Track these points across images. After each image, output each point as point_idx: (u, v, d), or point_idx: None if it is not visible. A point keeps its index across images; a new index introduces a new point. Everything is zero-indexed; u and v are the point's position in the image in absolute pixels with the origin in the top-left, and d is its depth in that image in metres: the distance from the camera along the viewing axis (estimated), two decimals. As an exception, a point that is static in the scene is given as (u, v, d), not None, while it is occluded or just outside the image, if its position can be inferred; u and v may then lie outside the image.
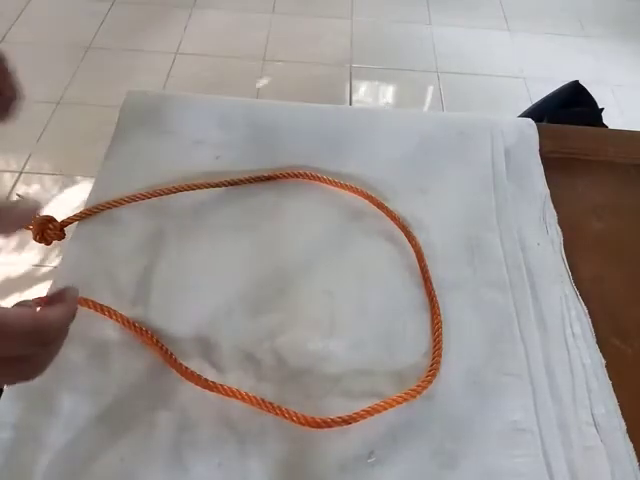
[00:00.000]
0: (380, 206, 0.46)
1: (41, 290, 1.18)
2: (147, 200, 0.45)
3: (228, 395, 0.35)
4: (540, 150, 0.52)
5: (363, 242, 0.45)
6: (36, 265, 1.27)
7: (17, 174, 1.44)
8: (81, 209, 0.45)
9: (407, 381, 0.37)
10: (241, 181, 0.47)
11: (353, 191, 0.47)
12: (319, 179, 0.47)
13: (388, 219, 0.45)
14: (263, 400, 0.34)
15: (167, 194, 0.45)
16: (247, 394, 0.35)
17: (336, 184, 0.47)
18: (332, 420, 0.34)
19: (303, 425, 0.34)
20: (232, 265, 0.42)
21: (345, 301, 0.41)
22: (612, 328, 0.42)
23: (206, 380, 0.35)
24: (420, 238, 0.44)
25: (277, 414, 0.34)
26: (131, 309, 0.39)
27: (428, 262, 0.43)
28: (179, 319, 0.39)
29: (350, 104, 1.68)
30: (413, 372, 0.37)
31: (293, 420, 0.34)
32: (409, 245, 0.44)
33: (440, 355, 0.38)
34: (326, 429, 0.34)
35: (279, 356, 0.38)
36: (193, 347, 0.38)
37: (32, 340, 0.24)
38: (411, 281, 0.42)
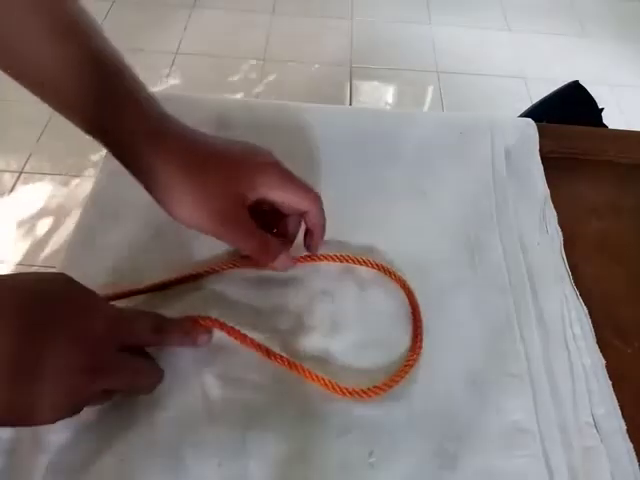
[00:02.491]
0: None
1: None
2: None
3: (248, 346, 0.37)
4: (540, 150, 0.52)
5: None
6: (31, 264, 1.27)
7: (17, 174, 1.44)
8: (80, 209, 0.45)
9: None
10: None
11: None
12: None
13: None
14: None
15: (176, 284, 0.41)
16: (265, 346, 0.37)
17: None
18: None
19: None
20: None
21: (345, 302, 0.41)
22: (612, 328, 0.42)
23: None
24: (420, 238, 0.44)
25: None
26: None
27: (428, 263, 0.43)
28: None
29: (350, 104, 1.68)
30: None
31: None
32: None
33: (418, 353, 0.38)
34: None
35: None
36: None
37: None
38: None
